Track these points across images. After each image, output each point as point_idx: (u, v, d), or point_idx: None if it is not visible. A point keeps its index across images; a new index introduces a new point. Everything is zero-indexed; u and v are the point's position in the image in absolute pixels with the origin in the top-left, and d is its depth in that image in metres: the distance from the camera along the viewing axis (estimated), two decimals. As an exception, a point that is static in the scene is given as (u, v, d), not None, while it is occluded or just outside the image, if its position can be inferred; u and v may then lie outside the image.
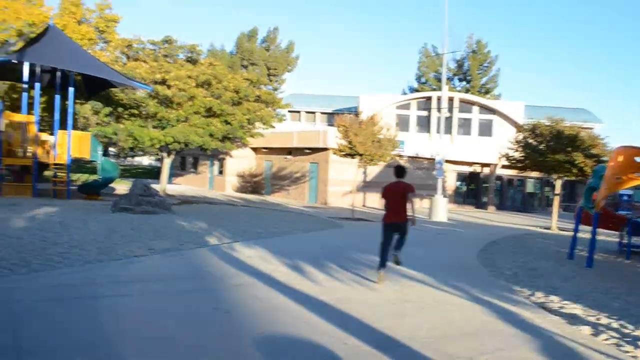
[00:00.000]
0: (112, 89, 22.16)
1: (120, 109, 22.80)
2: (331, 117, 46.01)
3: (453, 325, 5.79)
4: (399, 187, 7.95)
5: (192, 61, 25.32)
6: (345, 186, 26.96)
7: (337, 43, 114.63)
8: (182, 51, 25.53)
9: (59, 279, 6.69)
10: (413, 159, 30.94)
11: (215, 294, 6.48)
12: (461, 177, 34.52)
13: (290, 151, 30.54)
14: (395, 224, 7.93)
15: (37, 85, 19.75)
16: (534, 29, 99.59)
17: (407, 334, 5.30)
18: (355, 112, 27.49)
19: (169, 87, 22.01)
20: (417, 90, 50.95)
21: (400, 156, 29.03)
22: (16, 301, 5.60)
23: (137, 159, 71.13)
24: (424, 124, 38.80)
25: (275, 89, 54.42)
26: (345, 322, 5.54)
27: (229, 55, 53.58)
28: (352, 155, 19.81)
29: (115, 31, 34.29)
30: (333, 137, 22.39)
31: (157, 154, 42.76)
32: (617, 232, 15.25)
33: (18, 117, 19.28)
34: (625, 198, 23.27)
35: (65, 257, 8.00)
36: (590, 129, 29.88)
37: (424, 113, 38.86)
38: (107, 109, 22.58)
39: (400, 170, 8.22)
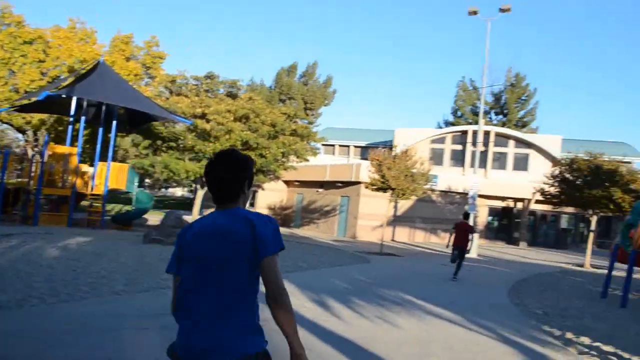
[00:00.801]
0: (154, 123, 22.76)
1: (159, 142, 23.34)
2: (365, 151, 46.14)
3: (478, 367, 5.61)
4: (465, 225, 13.23)
5: (232, 96, 25.85)
6: (375, 220, 26.79)
7: (374, 77, 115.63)
8: (223, 86, 26.17)
9: (86, 310, 6.77)
10: (445, 193, 30.60)
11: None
12: (493, 212, 33.95)
13: (322, 184, 30.61)
14: (460, 247, 12.89)
15: (83, 118, 20.44)
16: (573, 62, 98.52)
17: (429, 375, 5.15)
18: (390, 145, 27.47)
19: (208, 120, 22.46)
20: (452, 124, 50.71)
21: (433, 190, 28.76)
22: (43, 330, 5.67)
23: (171, 190, 72.40)
24: (459, 158, 38.51)
25: (311, 123, 54.93)
26: (368, 361, 5.44)
27: (268, 89, 54.53)
28: (384, 189, 19.73)
29: (160, 67, 35.43)
30: (366, 171, 22.38)
31: (191, 186, 43.42)
32: (656, 272, 14.68)
33: (61, 149, 19.93)
34: (665, 236, 22.41)
35: (94, 288, 8.10)
36: (630, 163, 29.18)
37: (459, 147, 38.59)
38: (147, 142, 23.15)
39: (466, 215, 14.39)
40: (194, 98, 23.62)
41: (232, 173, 2.29)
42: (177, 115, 21.59)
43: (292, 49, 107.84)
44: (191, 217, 23.65)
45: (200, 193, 24.54)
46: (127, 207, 28.08)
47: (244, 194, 2.35)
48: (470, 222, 13.61)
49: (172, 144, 23.20)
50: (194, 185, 28.90)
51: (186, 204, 47.34)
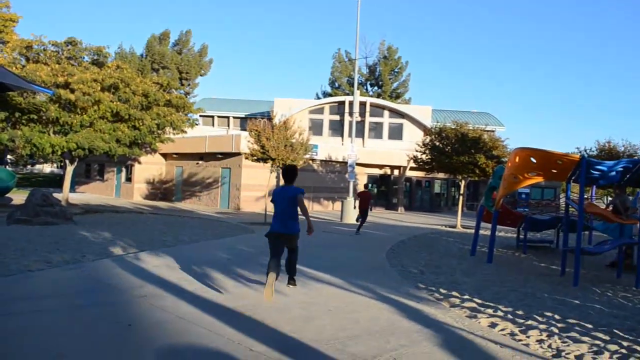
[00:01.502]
0: (9, 93, 20.72)
1: (17, 114, 21.40)
2: (245, 122, 45.80)
3: (359, 326, 5.88)
4: (365, 194, 17.53)
5: (99, 64, 24.27)
6: (258, 191, 26.81)
7: (252, 46, 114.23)
8: (87, 53, 24.41)
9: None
10: (326, 162, 31.31)
11: (118, 307, 6.20)
12: (372, 179, 35.34)
13: (202, 156, 29.97)
14: (363, 209, 17.14)
15: None
16: (445, 36, 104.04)
17: (313, 337, 5.33)
18: (268, 116, 27.37)
19: (72, 90, 20.92)
20: (330, 95, 51.72)
21: (313, 160, 29.26)
22: None
23: (38, 166, 67.30)
24: (337, 128, 39.46)
25: (188, 93, 53.23)
26: (253, 329, 5.48)
27: (139, 58, 51.86)
28: (264, 160, 19.73)
29: (13, 31, 32.27)
30: (245, 142, 22.18)
31: (61, 162, 40.57)
32: (515, 229, 16.18)
33: None
34: (523, 196, 24.74)
35: (-50, 275, 7.38)
36: (493, 131, 31.66)
37: (337, 117, 39.52)
38: (3, 114, 21.10)
39: (367, 185, 18.93)
40: (55, 66, 21.84)
41: (292, 172, 7.18)
42: (35, 84, 19.83)
43: (163, 14, 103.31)
44: (62, 195, 22.13)
45: (70, 169, 22.95)
46: (-15, 187, 25.68)
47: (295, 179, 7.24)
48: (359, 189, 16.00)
49: (34, 116, 21.38)
50: (62, 160, 27.04)
51: (55, 181, 44.32)
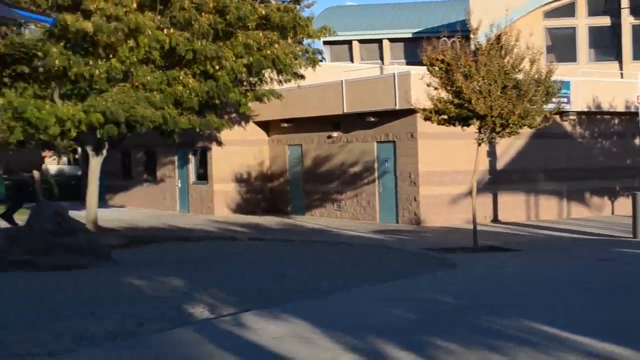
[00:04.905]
0: (-21, 29, 22.46)
1: (-5, 67, 23.07)
2: (414, 48, 45.84)
3: None
4: None
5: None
6: (455, 183, 26.66)
7: None
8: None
9: None
10: (589, 116, 30.43)
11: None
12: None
13: (337, 123, 30.28)
14: None
15: None
16: None
17: None
18: (464, 31, 26.29)
19: (86, 14, 22.01)
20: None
21: (563, 113, 28.49)
22: None
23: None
24: (607, 44, 38.42)
25: (298, 2, 54.30)
26: None
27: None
28: (463, 120, 19.60)
29: None
30: (421, 86, 22.15)
31: (74, 150, 43.11)
32: None
33: None
34: None
35: None
36: None
37: (606, 20, 38.43)
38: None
39: None
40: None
41: None
42: (20, 9, 21.29)
43: None
44: (85, 213, 23.38)
45: (96, 162, 24.21)
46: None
47: None
48: None
49: (23, 67, 22.90)
50: (79, 147, 28.82)
51: (70, 188, 46.46)
